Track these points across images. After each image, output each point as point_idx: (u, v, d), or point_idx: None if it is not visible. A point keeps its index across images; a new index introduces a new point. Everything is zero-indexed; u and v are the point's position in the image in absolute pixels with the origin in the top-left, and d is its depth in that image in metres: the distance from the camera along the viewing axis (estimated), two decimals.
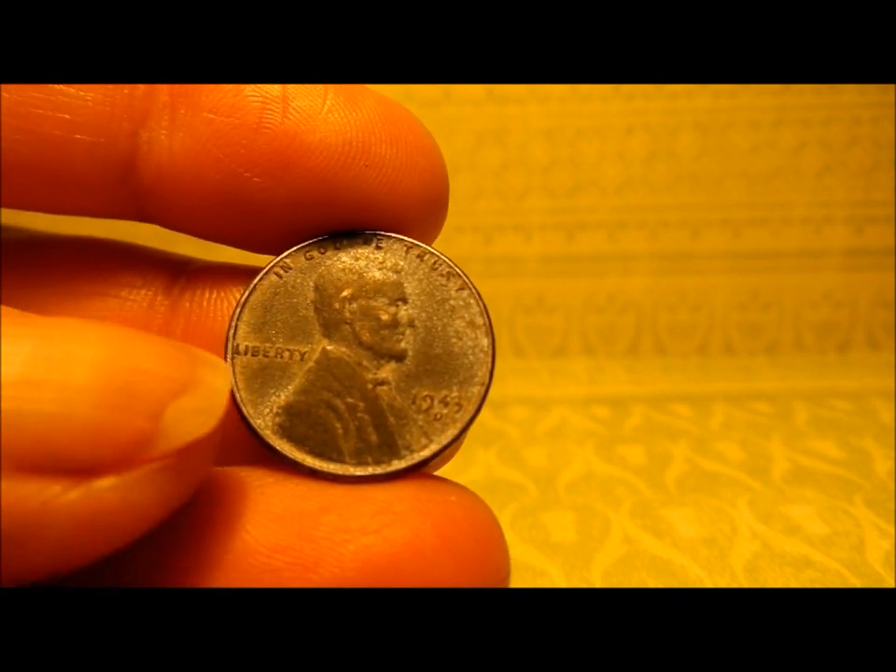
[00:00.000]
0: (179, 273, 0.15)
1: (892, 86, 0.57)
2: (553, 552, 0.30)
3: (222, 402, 0.11)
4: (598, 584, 0.28)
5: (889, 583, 0.27)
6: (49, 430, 0.09)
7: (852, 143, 0.59)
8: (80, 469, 0.09)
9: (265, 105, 0.13)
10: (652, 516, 0.33)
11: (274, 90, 0.13)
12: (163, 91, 0.13)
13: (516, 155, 0.60)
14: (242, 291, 0.14)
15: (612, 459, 0.40)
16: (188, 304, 0.14)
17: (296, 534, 0.11)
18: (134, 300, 0.14)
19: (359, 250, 0.14)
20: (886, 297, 0.61)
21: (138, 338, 0.10)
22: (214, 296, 0.14)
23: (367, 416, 0.13)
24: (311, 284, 0.14)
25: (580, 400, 0.51)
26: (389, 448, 0.13)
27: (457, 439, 0.13)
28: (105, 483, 0.09)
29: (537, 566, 0.29)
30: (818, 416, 0.47)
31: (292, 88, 0.13)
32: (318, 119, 0.13)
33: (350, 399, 0.13)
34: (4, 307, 0.10)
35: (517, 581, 0.28)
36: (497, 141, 0.60)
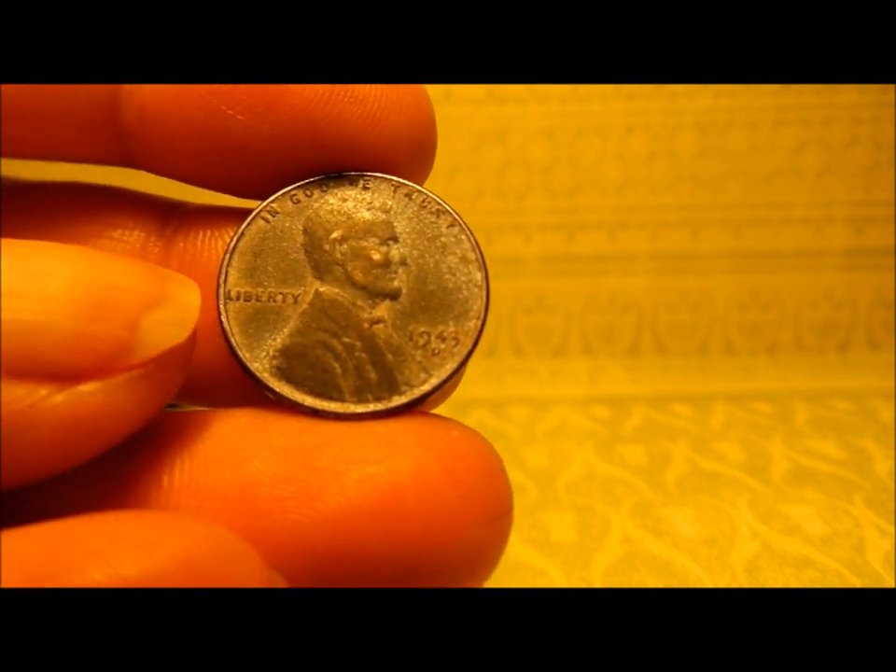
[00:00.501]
0: (172, 214, 0.15)
1: (892, 86, 0.57)
2: (553, 552, 0.30)
3: (193, 315, 0.11)
4: (598, 584, 0.28)
5: (889, 583, 0.27)
6: (33, 339, 0.09)
7: (852, 143, 0.59)
8: (64, 375, 0.10)
9: None
10: (652, 516, 0.33)
11: None
12: None
13: (516, 155, 0.60)
14: (233, 231, 0.14)
15: (612, 459, 0.40)
16: (181, 244, 0.14)
17: (300, 465, 0.11)
18: (127, 241, 0.14)
19: (346, 191, 0.14)
20: (886, 297, 0.61)
21: (110, 257, 0.11)
22: (207, 235, 0.14)
23: (365, 355, 0.13)
24: (299, 227, 0.14)
25: (580, 400, 0.51)
26: (389, 384, 0.13)
27: (456, 372, 0.13)
28: (88, 387, 0.10)
29: (537, 566, 0.29)
30: (818, 416, 0.47)
31: None
32: None
33: (347, 339, 0.13)
34: None
35: (517, 581, 0.28)
36: (497, 141, 0.60)
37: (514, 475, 0.38)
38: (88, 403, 0.10)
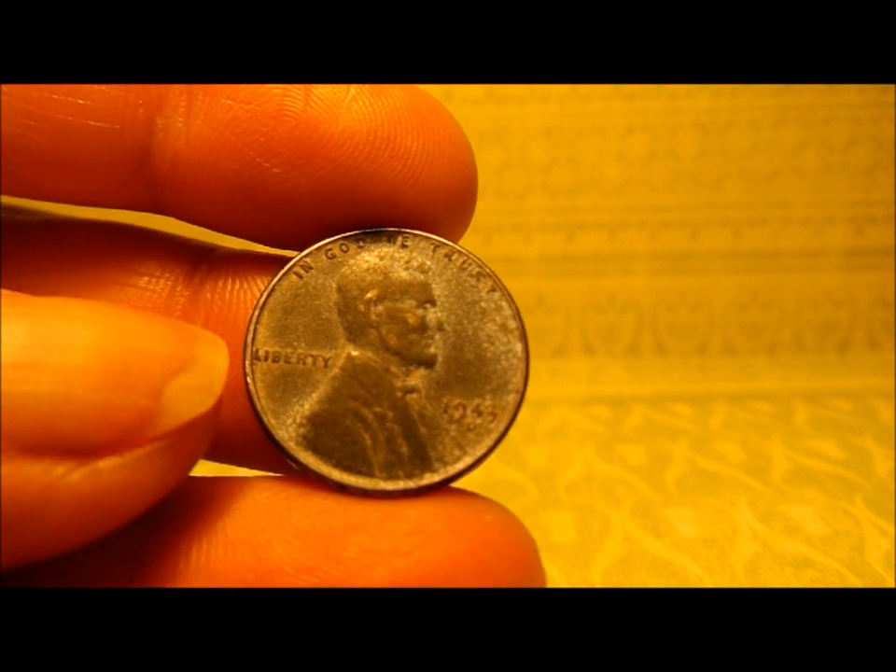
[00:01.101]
0: (200, 260, 0.15)
1: (892, 86, 0.57)
2: (553, 552, 0.30)
3: (220, 379, 0.11)
4: (598, 584, 0.28)
5: (889, 583, 0.27)
6: (50, 412, 0.09)
7: (852, 143, 0.59)
8: (83, 450, 0.09)
9: (286, 92, 0.12)
10: (652, 516, 0.33)
11: None
12: None
13: (516, 155, 0.60)
14: (265, 283, 0.13)
15: (612, 459, 0.40)
16: (209, 295, 0.14)
17: (323, 554, 0.11)
18: (153, 290, 0.14)
19: (384, 249, 0.13)
20: (886, 297, 0.61)
21: (135, 316, 0.10)
22: (236, 286, 0.14)
23: (397, 426, 0.12)
24: (333, 285, 0.13)
25: (580, 400, 0.51)
26: (421, 461, 0.12)
27: (492, 450, 0.12)
28: (107, 463, 0.09)
29: None
30: (818, 416, 0.47)
31: None
32: (342, 107, 0.12)
33: (378, 409, 0.12)
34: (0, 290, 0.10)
35: None
36: (497, 141, 0.60)
37: (514, 475, 0.38)
38: (106, 480, 0.09)
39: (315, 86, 0.12)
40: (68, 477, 0.09)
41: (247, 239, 0.14)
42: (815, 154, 0.60)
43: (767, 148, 0.60)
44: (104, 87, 0.12)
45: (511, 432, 0.12)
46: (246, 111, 0.12)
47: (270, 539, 0.11)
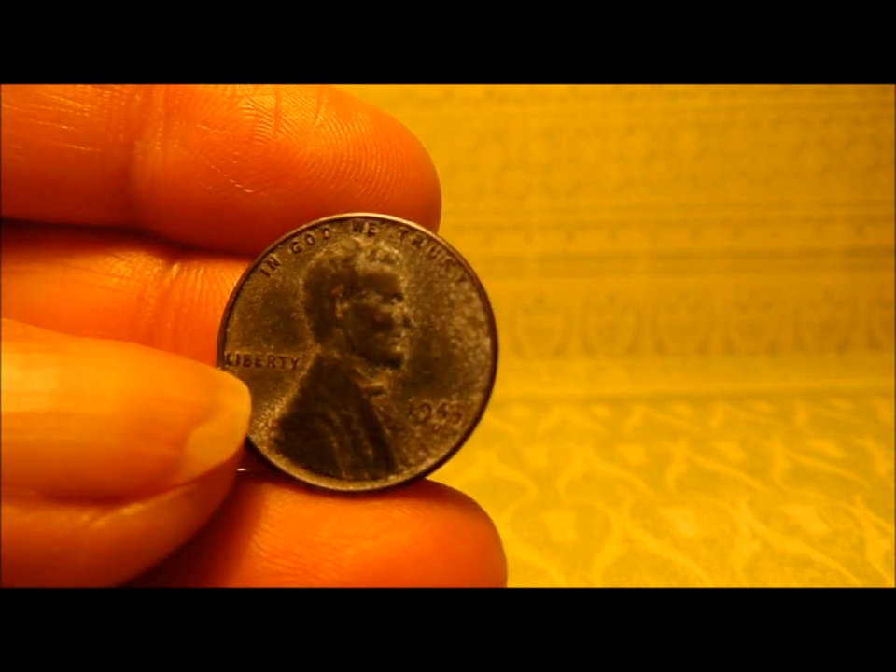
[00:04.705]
0: (170, 262, 0.15)
1: (892, 86, 0.57)
2: (553, 552, 0.30)
3: (243, 427, 0.11)
4: (598, 584, 0.28)
5: (889, 583, 0.27)
6: (76, 460, 0.09)
7: (852, 143, 0.59)
8: (107, 497, 0.09)
9: (258, 118, 0.13)
10: (652, 516, 0.33)
11: (267, 103, 0.13)
12: (158, 103, 0.13)
13: (516, 155, 0.60)
14: (233, 283, 0.14)
15: (612, 459, 0.40)
16: (178, 297, 0.14)
17: (296, 539, 0.11)
18: (124, 291, 0.14)
19: (350, 238, 0.13)
20: (886, 297, 0.61)
21: (162, 361, 0.10)
22: (206, 287, 0.14)
23: (362, 429, 0.13)
24: (300, 282, 0.13)
25: (580, 400, 0.51)
26: (386, 463, 0.13)
27: (455, 451, 0.13)
28: (131, 510, 0.09)
29: (537, 566, 0.29)
30: (818, 416, 0.47)
31: (285, 101, 0.13)
32: (310, 132, 0.13)
33: (345, 412, 0.13)
34: (30, 327, 0.10)
35: (517, 581, 0.28)
36: (497, 141, 0.60)
37: (514, 475, 0.38)
38: (130, 527, 0.09)
39: (285, 112, 0.13)
40: (93, 524, 0.09)
41: (221, 252, 0.15)
42: (815, 154, 0.60)
43: (767, 148, 0.60)
44: (86, 113, 0.13)
45: (512, 432, 0.13)
46: (220, 136, 0.13)
47: (245, 527, 0.12)
